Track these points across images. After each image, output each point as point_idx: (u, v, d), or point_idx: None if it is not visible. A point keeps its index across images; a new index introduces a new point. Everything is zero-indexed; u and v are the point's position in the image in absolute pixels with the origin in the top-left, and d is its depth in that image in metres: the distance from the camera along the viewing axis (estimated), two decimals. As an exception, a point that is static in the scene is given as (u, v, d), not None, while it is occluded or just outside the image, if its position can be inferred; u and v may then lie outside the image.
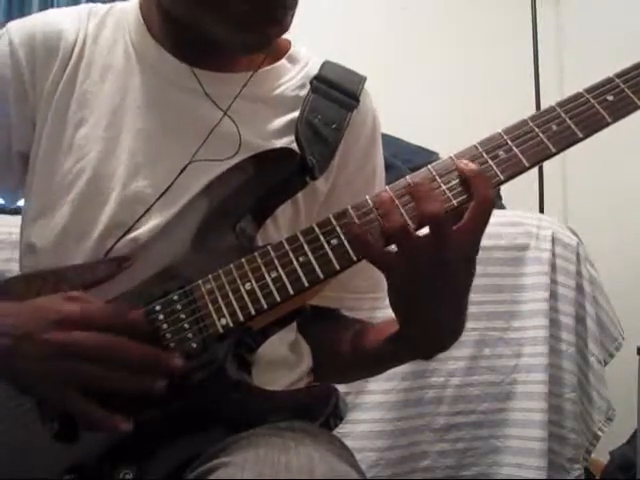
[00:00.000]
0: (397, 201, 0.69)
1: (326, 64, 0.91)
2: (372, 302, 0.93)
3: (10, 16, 2.65)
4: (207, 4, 0.77)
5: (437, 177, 0.70)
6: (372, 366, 0.93)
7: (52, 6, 2.67)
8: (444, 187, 0.69)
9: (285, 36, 0.93)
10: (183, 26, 0.82)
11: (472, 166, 0.69)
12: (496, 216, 1.68)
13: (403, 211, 0.68)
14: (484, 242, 1.80)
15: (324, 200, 0.89)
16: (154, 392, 0.66)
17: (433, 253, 0.67)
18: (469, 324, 1.60)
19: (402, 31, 2.69)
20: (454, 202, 0.69)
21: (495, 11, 2.71)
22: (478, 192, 0.67)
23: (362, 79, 0.91)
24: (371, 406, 1.53)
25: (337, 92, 0.88)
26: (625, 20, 2.32)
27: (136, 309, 0.71)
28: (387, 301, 0.84)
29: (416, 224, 0.68)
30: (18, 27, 0.87)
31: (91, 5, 0.92)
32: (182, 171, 0.81)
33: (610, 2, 2.44)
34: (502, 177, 0.70)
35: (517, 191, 1.66)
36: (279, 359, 0.84)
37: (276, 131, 0.86)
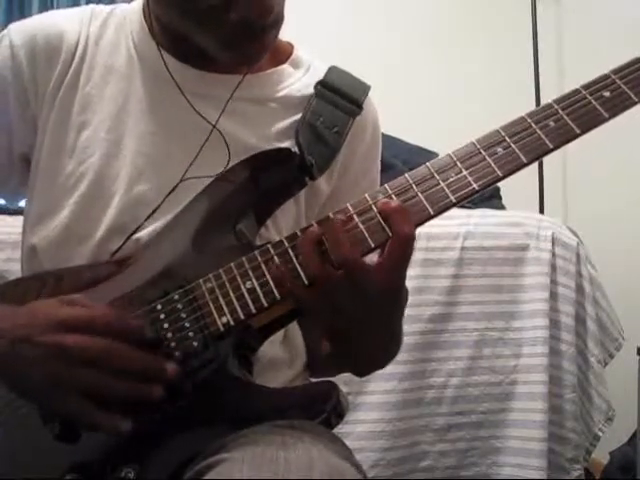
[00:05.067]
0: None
1: (332, 70, 0.92)
2: None
3: (10, 16, 2.66)
4: (190, 20, 0.78)
5: (355, 216, 0.70)
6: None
7: (52, 6, 2.67)
8: (362, 227, 0.69)
9: (288, 37, 0.94)
10: (177, 31, 0.83)
11: (392, 204, 0.68)
12: (496, 216, 1.71)
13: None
14: (484, 242, 1.79)
15: (327, 201, 0.90)
16: (151, 399, 0.66)
17: (350, 290, 0.68)
18: (469, 324, 1.61)
19: (402, 31, 2.69)
20: (371, 243, 0.69)
21: (495, 11, 2.71)
22: (396, 229, 0.68)
23: (366, 88, 0.92)
24: (371, 406, 1.53)
25: (341, 98, 0.88)
26: (625, 20, 2.32)
27: (136, 310, 0.71)
28: None
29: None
30: (19, 29, 0.86)
31: (93, 6, 0.92)
32: (176, 187, 0.81)
33: (610, 2, 2.44)
34: (500, 173, 0.70)
35: (517, 191, 1.67)
36: (272, 359, 0.84)
37: (277, 133, 0.87)
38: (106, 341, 0.65)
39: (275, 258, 0.71)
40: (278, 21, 0.80)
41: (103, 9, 0.91)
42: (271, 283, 0.70)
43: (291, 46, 0.93)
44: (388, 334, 0.78)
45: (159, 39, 0.86)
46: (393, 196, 0.71)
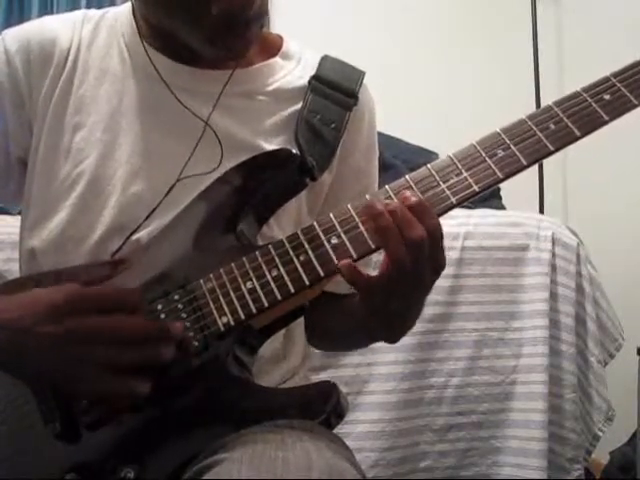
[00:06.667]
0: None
1: (325, 61, 0.92)
2: None
3: (10, 16, 2.65)
4: (175, 17, 0.79)
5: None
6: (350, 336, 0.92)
7: (52, 8, 2.67)
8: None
9: (283, 34, 0.94)
10: (164, 29, 0.83)
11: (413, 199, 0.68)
12: (496, 216, 1.71)
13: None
14: (484, 242, 1.78)
15: (330, 193, 0.90)
16: (163, 360, 0.66)
17: (430, 256, 0.68)
18: (469, 324, 1.61)
19: (402, 31, 2.69)
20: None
21: (495, 11, 2.71)
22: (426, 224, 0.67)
23: (361, 75, 0.92)
24: (371, 406, 1.53)
25: (336, 92, 0.88)
26: (625, 20, 2.32)
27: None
28: None
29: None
30: (14, 35, 0.87)
31: (85, 11, 0.92)
32: (172, 187, 0.81)
33: (610, 2, 2.44)
34: (501, 175, 0.71)
35: (517, 191, 1.66)
36: (269, 354, 0.84)
37: (271, 127, 0.87)
38: (101, 317, 0.66)
39: (276, 258, 0.71)
40: (261, 14, 0.80)
41: (95, 13, 0.91)
42: (272, 284, 0.71)
43: (281, 39, 0.93)
44: (421, 305, 0.77)
45: (148, 38, 0.86)
46: (393, 197, 0.71)
